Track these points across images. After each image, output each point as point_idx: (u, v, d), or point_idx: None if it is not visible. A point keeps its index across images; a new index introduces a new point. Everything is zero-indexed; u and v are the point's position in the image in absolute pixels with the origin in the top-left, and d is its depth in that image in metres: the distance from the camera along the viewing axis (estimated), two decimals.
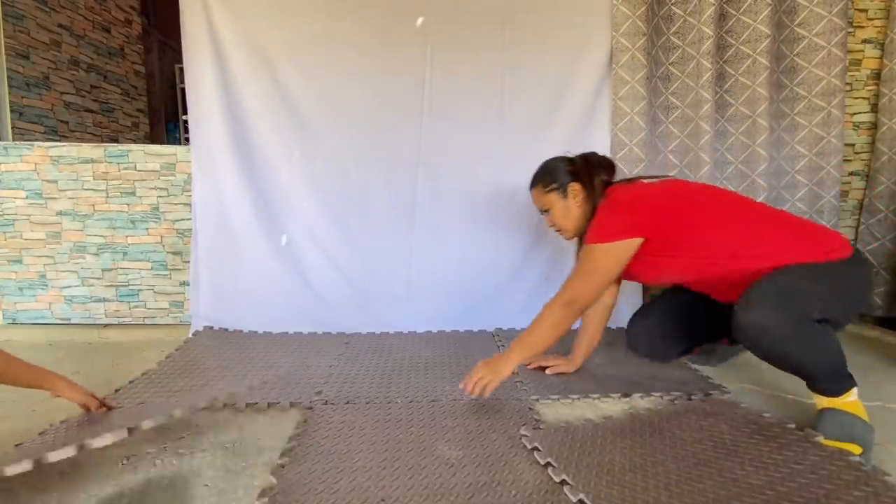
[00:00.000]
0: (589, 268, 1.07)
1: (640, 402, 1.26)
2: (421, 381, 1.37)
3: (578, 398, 1.28)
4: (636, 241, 1.05)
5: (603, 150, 1.84)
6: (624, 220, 1.06)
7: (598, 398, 1.28)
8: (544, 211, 1.26)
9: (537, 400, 1.27)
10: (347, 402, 1.23)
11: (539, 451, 0.97)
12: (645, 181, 1.16)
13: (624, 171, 1.82)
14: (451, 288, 1.88)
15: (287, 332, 1.83)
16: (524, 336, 1.10)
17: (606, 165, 1.21)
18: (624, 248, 1.06)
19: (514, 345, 1.10)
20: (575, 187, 1.19)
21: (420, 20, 1.74)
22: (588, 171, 1.18)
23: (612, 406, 1.24)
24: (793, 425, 1.06)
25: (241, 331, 1.83)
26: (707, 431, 1.07)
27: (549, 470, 0.91)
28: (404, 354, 1.61)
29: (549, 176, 1.22)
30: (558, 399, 1.28)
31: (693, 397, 1.25)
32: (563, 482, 0.87)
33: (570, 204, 1.20)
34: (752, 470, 0.90)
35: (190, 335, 1.80)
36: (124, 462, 0.94)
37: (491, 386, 1.09)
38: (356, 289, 1.86)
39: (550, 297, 1.88)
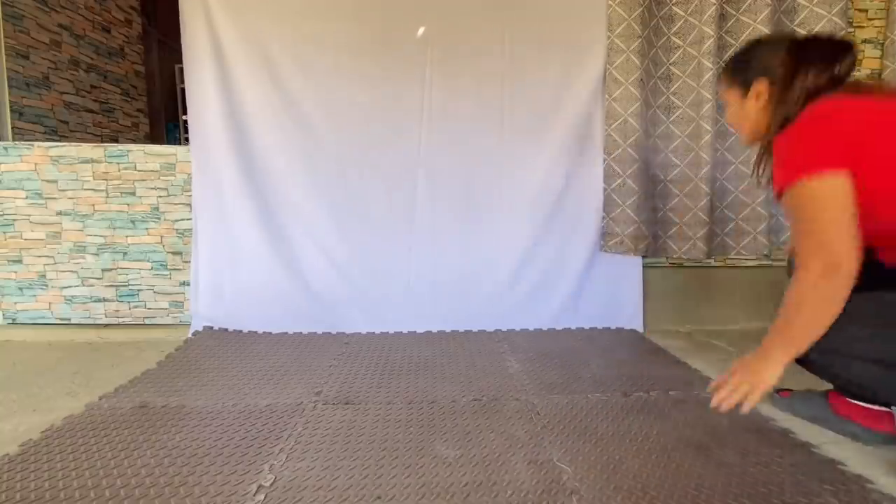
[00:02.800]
0: (806, 217, 0.74)
1: (642, 396, 1.27)
2: (420, 382, 1.38)
3: (579, 396, 1.29)
4: (839, 178, 0.72)
5: (598, 151, 1.86)
6: (809, 147, 0.73)
7: (599, 395, 1.29)
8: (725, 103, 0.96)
9: (535, 396, 1.27)
10: (347, 403, 1.24)
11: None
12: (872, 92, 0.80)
13: (617, 170, 1.83)
14: (451, 288, 1.89)
15: (287, 332, 1.84)
16: (781, 327, 0.79)
17: (830, 59, 0.80)
18: (830, 187, 0.72)
19: (773, 341, 0.80)
20: (760, 87, 0.86)
21: (421, 30, 1.76)
22: (795, 63, 0.81)
23: (613, 399, 1.25)
24: (795, 433, 1.07)
25: (240, 331, 1.85)
26: (706, 420, 1.09)
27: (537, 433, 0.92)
28: (404, 354, 1.63)
29: (741, 63, 0.90)
30: (557, 396, 1.29)
31: (693, 392, 1.27)
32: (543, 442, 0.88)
33: (748, 106, 0.88)
34: (732, 452, 0.95)
35: (190, 335, 1.81)
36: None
37: (753, 399, 0.82)
38: (356, 289, 1.88)
39: (550, 297, 1.95)
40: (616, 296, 1.94)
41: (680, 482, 0.88)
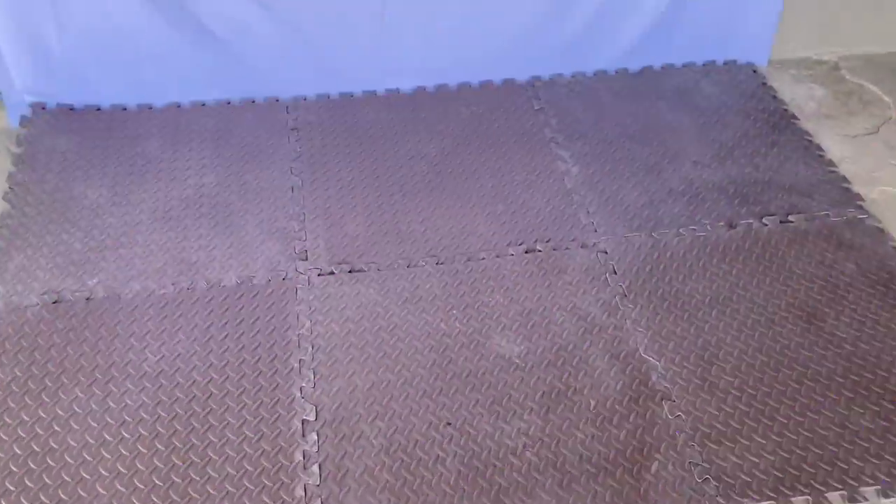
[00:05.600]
0: None
1: (751, 226, 1.68)
2: (436, 206, 1.71)
3: (666, 232, 1.69)
4: None
5: None
6: None
7: (694, 229, 1.70)
8: None
9: (607, 240, 1.67)
10: (352, 271, 1.59)
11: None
12: None
13: None
14: (455, 19, 1.95)
15: (179, 104, 1.98)
16: None
17: None
18: None
19: None
20: None
21: None
22: None
23: (712, 235, 1.66)
24: None
25: (97, 107, 1.96)
26: (827, 268, 1.57)
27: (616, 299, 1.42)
28: (392, 138, 1.88)
29: None
30: (637, 235, 1.69)
31: (817, 217, 1.69)
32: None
33: None
34: (849, 321, 1.48)
35: (12, 126, 1.91)
36: None
37: None
38: (292, 28, 1.89)
39: (626, 21, 1.99)
40: (732, 10, 2.09)
41: (782, 372, 1.40)
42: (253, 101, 2.00)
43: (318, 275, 1.58)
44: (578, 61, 2.08)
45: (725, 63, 2.16)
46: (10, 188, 1.74)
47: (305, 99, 2.01)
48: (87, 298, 1.52)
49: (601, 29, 2.02)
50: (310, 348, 1.44)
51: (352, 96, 2.02)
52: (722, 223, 1.70)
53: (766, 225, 1.69)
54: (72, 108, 1.93)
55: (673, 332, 1.48)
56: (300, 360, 1.42)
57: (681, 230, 1.68)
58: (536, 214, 1.71)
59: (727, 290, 1.56)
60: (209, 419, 1.33)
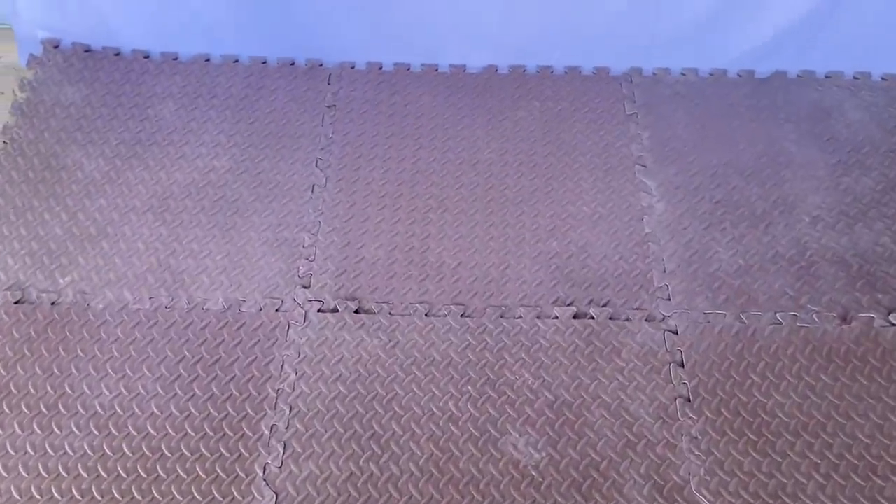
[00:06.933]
0: None
1: (872, 321, 1.32)
2: (484, 228, 1.42)
3: (762, 316, 1.33)
4: None
5: None
6: None
7: (795, 315, 1.33)
8: None
9: (680, 316, 1.33)
10: (358, 311, 1.33)
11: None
12: None
13: None
14: None
15: (209, 58, 1.76)
16: None
17: None
18: None
19: None
20: None
21: None
22: None
23: (819, 329, 1.31)
24: None
25: (116, 51, 1.75)
26: None
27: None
28: (444, 133, 1.60)
29: None
30: (720, 315, 1.33)
31: None
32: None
33: None
34: None
35: (18, 62, 1.74)
36: None
37: None
38: None
39: (762, 15, 1.60)
40: None
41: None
42: (292, 63, 1.74)
43: (319, 310, 1.33)
44: (692, 54, 1.72)
45: (883, 78, 1.71)
46: (3, 143, 1.55)
47: (353, 67, 1.73)
48: (53, 303, 1.33)
49: (728, 15, 1.64)
50: (287, 412, 1.21)
51: (408, 69, 1.74)
52: (834, 314, 1.33)
53: (893, 325, 1.31)
54: (88, 50, 1.74)
55: (739, 464, 1.16)
56: (272, 427, 1.19)
57: (778, 315, 1.33)
58: (599, 263, 1.39)
59: (821, 414, 1.22)
60: (152, 490, 1.13)
